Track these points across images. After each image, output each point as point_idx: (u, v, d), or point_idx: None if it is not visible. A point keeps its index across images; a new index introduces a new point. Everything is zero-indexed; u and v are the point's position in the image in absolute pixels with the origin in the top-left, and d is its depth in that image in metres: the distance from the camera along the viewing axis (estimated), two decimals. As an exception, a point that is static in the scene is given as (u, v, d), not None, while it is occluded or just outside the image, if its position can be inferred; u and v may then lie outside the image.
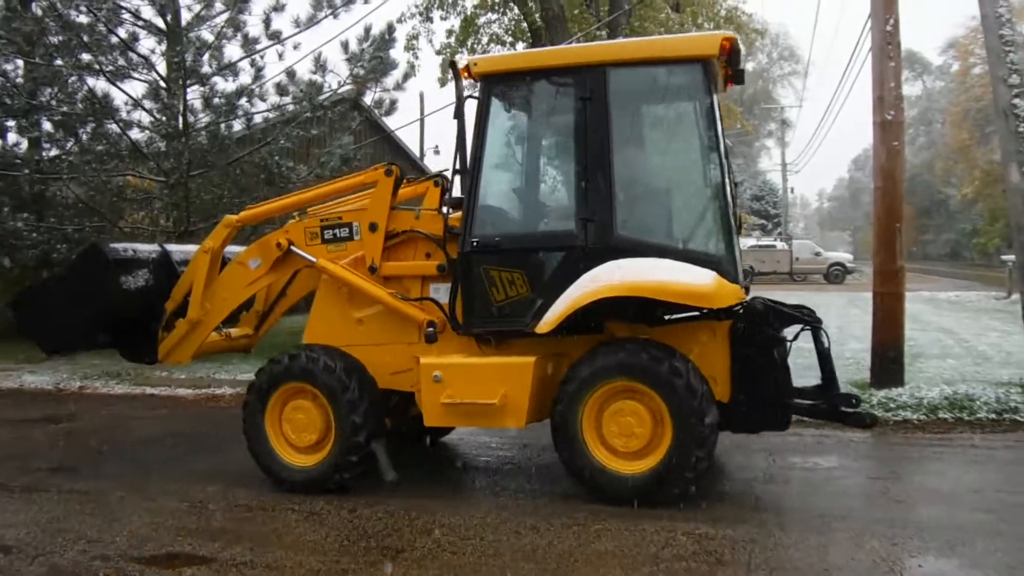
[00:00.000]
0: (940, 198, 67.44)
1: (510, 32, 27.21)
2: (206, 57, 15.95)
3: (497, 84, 6.97)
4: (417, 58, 25.77)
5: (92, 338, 8.08)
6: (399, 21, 24.68)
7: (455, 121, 6.93)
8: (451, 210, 7.21)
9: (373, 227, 7.36)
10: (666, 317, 6.60)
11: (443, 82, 26.85)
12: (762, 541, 5.73)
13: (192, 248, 8.45)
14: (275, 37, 16.32)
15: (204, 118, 16.14)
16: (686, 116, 6.87)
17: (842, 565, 5.33)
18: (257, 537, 6.10)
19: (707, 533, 5.89)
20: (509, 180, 7.60)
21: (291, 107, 16.61)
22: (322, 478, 7.00)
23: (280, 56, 16.56)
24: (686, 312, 6.44)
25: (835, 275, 45.11)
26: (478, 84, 6.99)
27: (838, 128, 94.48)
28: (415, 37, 26.10)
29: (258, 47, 16.30)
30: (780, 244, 48.51)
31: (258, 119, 17.00)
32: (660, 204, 7.05)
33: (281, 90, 16.64)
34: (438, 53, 26.82)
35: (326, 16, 16.38)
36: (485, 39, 26.91)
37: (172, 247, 8.59)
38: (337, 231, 7.50)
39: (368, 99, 17.96)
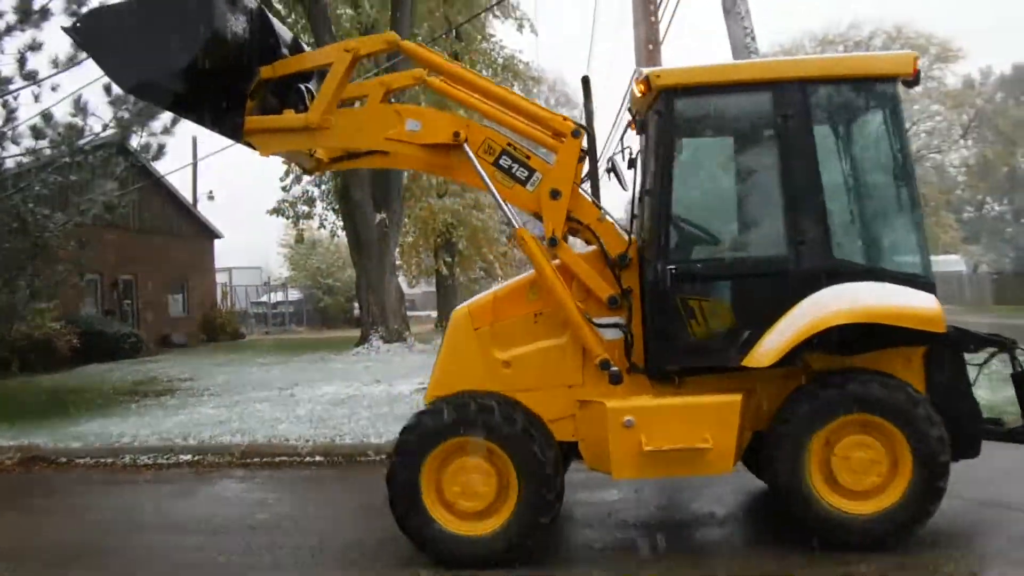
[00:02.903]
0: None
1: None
2: (-49, 97, 14.75)
3: (682, 98, 6.38)
4: (189, 100, 24.88)
5: (174, 79, 6.21)
6: (170, 62, 23.74)
7: (639, 137, 6.39)
8: (631, 231, 6.54)
9: (555, 194, 6.35)
10: (871, 344, 6.16)
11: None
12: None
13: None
14: (31, 77, 15.26)
15: (-51, 162, 14.90)
16: (884, 134, 6.57)
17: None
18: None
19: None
20: (703, 201, 6.95)
21: (48, 151, 15.60)
22: (501, 549, 6.01)
23: (36, 98, 15.49)
24: (897, 337, 6.05)
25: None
26: (658, 98, 6.39)
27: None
28: (187, 79, 25.21)
29: (11, 88, 15.22)
30: (561, 284, 49.83)
31: (10, 164, 15.83)
32: (870, 225, 6.66)
33: (37, 133, 15.55)
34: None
35: (88, 57, 15.52)
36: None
37: None
38: (516, 167, 6.44)
39: (135, 143, 17.14)
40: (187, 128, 32.31)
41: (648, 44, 11.52)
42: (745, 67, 6.94)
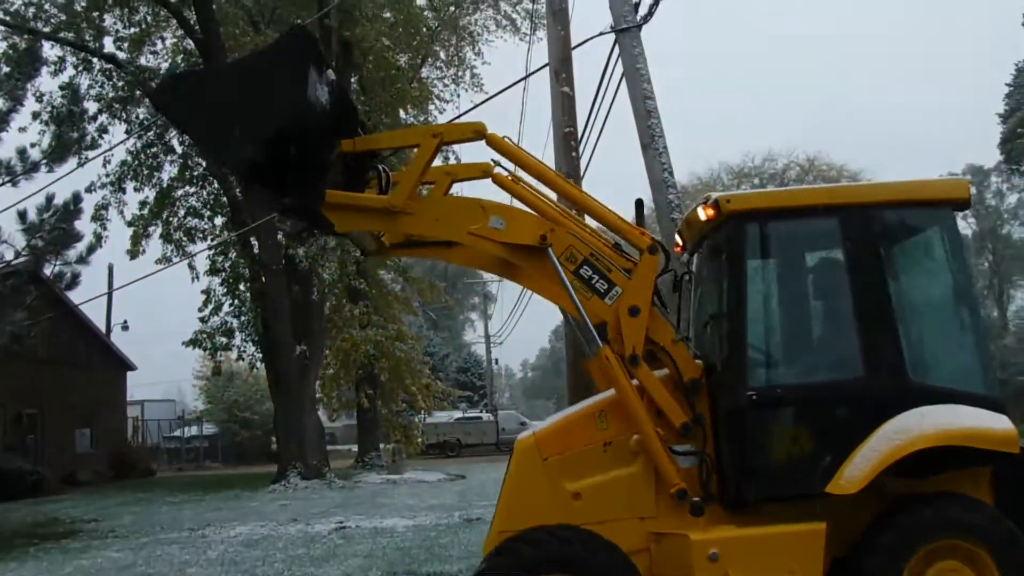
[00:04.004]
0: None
1: (208, 206, 26.81)
2: None
3: (752, 222, 6.39)
4: (106, 229, 24.74)
5: (260, 147, 5.94)
6: (88, 191, 23.64)
7: (691, 261, 6.37)
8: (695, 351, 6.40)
9: (634, 311, 6.18)
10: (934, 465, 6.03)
11: (133, 254, 25.74)
12: None
13: None
14: (-57, 204, 14.95)
15: None
16: (944, 256, 6.63)
17: None
18: None
19: None
20: (776, 325, 6.76)
21: (-44, 279, 15.11)
22: None
23: (-52, 224, 15.14)
24: (971, 458, 5.97)
25: (539, 444, 46.54)
26: (726, 223, 6.40)
27: (538, 300, 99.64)
28: (104, 207, 25.13)
29: (-77, 214, 14.87)
30: (486, 415, 49.63)
31: (-83, 291, 15.28)
32: (939, 346, 6.65)
33: (-53, 260, 15.14)
34: (129, 224, 25.85)
35: (4, 183, 15.31)
36: (182, 212, 26.32)
37: None
38: (597, 278, 6.26)
39: (48, 272, 16.75)
40: (103, 257, 31.76)
41: (569, 177, 11.76)
42: (812, 192, 7.16)
